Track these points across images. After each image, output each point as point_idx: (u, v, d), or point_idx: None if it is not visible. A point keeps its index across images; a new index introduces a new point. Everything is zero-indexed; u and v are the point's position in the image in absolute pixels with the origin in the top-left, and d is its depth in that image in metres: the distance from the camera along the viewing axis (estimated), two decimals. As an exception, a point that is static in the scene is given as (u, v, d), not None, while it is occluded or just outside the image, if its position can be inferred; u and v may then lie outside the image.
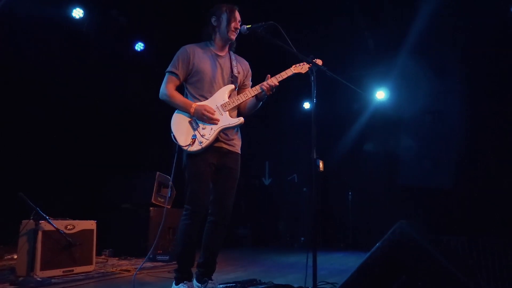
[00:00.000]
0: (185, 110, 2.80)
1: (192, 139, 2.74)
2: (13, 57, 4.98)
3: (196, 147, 2.73)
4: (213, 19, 2.94)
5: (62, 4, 5.42)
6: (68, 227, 3.63)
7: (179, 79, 2.88)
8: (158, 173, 5.30)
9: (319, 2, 5.87)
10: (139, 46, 6.50)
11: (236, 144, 2.98)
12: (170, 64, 2.90)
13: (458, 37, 6.26)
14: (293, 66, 2.87)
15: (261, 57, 7.07)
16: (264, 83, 2.81)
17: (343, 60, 6.91)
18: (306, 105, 8.32)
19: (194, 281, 2.90)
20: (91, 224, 3.87)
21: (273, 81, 2.81)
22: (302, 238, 7.86)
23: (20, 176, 4.86)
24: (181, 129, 2.79)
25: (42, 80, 5.35)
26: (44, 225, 3.39)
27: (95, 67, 5.84)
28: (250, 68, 3.15)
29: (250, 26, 2.83)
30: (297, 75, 2.88)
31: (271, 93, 2.81)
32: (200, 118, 2.76)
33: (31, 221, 3.34)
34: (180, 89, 2.98)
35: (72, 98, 5.67)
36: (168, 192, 5.33)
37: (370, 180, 7.49)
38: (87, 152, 5.82)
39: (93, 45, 5.83)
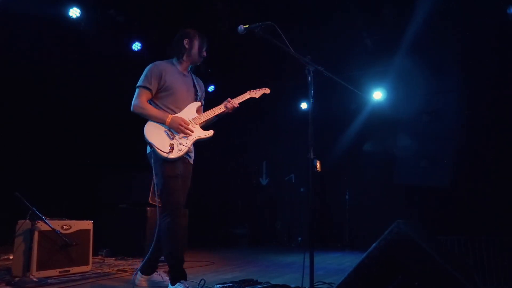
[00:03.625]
0: (160, 120, 3.02)
1: (171, 147, 2.96)
2: (10, 57, 4.96)
3: (175, 154, 2.97)
4: (185, 41, 3.21)
5: (59, 3, 5.39)
6: (65, 227, 3.61)
7: (151, 93, 3.10)
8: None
9: (317, 1, 5.87)
10: (136, 46, 6.48)
11: (193, 156, 3.25)
12: (142, 79, 3.11)
13: (456, 37, 6.27)
14: (248, 91, 3.33)
15: (259, 57, 7.10)
16: (228, 104, 3.20)
17: (340, 60, 6.92)
18: (304, 105, 8.33)
19: (139, 272, 3.14)
20: (87, 224, 3.86)
21: (235, 102, 3.22)
22: (300, 238, 7.87)
23: (17, 176, 4.85)
24: (158, 138, 2.99)
25: (39, 80, 5.34)
26: (41, 225, 3.37)
27: (92, 67, 5.82)
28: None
29: (247, 26, 2.83)
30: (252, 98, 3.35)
31: (231, 112, 3.21)
32: (176, 128, 3.01)
33: (28, 221, 3.33)
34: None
35: (69, 98, 5.66)
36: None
37: (368, 180, 7.51)
38: (84, 152, 5.80)
39: (90, 45, 5.81)
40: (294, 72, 7.09)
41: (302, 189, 8.09)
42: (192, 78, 3.33)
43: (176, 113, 3.10)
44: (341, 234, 7.66)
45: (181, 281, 2.85)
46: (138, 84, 3.11)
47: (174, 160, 2.98)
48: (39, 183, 5.02)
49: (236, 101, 3.24)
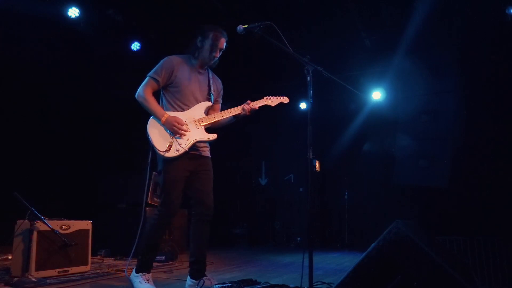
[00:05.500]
0: (156, 117, 2.96)
1: (169, 146, 2.91)
2: (9, 57, 4.95)
3: (172, 154, 2.91)
4: (198, 40, 3.11)
5: (58, 3, 5.38)
6: (64, 227, 3.61)
7: (159, 85, 3.04)
8: (154, 173, 5.27)
9: (316, 2, 5.87)
10: (136, 46, 6.47)
11: (207, 149, 3.19)
12: (153, 70, 3.04)
13: (455, 37, 6.27)
14: (265, 97, 3.23)
15: (258, 57, 7.10)
16: (246, 105, 3.10)
17: (339, 60, 6.92)
18: (303, 105, 8.32)
19: (189, 277, 3.03)
20: (86, 224, 3.85)
21: (254, 105, 3.13)
22: (298, 238, 7.87)
23: (16, 176, 4.84)
24: (158, 134, 2.95)
25: (38, 80, 5.33)
26: (39, 225, 3.37)
27: (91, 67, 5.82)
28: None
29: (246, 26, 2.84)
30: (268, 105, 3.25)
31: (249, 114, 3.11)
32: (169, 128, 2.94)
33: (26, 221, 3.32)
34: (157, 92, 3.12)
35: (68, 98, 5.66)
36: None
37: (367, 180, 7.51)
38: (83, 152, 5.80)
39: (89, 45, 5.81)
40: (293, 72, 7.10)
41: (301, 189, 8.09)
42: (209, 77, 3.22)
43: (183, 110, 3.03)
44: (340, 234, 7.66)
45: (144, 272, 2.98)
46: (148, 74, 3.05)
47: (173, 159, 2.93)
48: (38, 183, 5.01)
49: (256, 105, 3.14)
